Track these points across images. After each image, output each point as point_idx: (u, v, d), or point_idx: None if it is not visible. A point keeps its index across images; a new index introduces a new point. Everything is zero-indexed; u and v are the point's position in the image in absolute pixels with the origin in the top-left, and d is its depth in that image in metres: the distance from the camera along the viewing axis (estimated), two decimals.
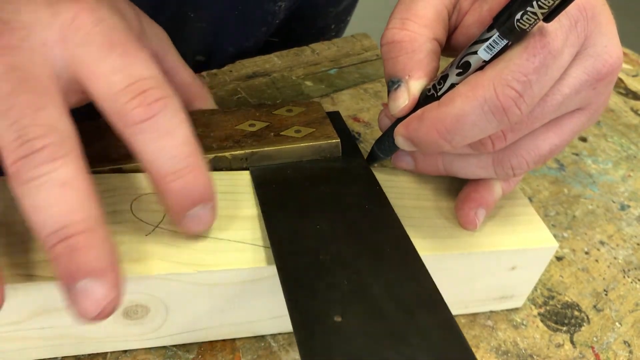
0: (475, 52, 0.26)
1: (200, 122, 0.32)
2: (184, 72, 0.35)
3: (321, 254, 0.26)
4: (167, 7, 0.47)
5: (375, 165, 0.33)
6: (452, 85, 0.27)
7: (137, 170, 0.29)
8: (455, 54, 0.28)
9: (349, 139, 0.34)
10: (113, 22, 0.24)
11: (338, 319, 0.23)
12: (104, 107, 0.23)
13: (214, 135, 0.31)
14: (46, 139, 0.21)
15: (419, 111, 0.28)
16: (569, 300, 0.36)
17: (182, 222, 0.25)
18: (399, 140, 0.29)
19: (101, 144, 0.25)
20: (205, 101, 0.35)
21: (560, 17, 0.25)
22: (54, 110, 0.22)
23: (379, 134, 0.32)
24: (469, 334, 0.33)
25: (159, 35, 0.33)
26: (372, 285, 0.25)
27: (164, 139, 0.23)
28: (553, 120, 0.29)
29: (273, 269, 0.27)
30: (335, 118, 0.36)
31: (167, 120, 0.23)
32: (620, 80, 0.60)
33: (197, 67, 0.45)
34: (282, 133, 0.32)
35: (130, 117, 0.23)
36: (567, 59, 0.26)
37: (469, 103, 0.25)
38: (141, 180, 0.29)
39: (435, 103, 0.27)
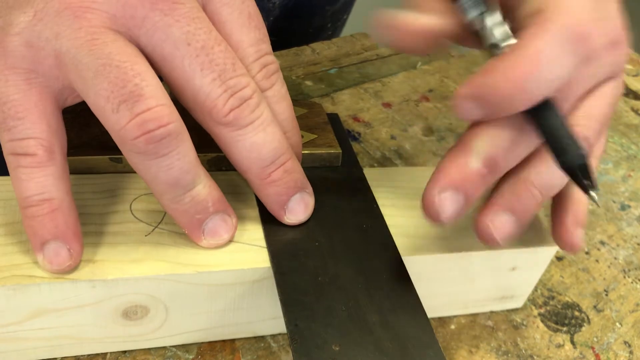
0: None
1: None
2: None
3: (320, 275, 0.26)
4: None
5: (375, 165, 0.33)
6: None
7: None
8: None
9: (347, 147, 0.34)
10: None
11: (336, 347, 0.24)
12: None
13: None
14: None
15: (481, 69, 0.24)
16: (569, 301, 0.36)
17: (287, 213, 0.28)
18: (463, 105, 0.24)
19: (100, 129, 0.24)
20: None
21: None
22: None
23: (379, 133, 0.32)
24: (469, 334, 0.33)
25: None
26: (369, 314, 0.25)
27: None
28: (593, 89, 0.26)
29: None
30: (334, 122, 0.35)
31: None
32: None
33: None
34: None
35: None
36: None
37: (541, 38, 0.23)
38: (141, 180, 0.29)
39: (499, 55, 0.24)
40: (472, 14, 0.25)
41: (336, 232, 0.28)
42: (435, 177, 0.25)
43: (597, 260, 0.39)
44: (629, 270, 0.39)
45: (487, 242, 0.26)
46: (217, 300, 0.27)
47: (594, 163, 0.28)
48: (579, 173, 0.23)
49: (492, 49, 0.24)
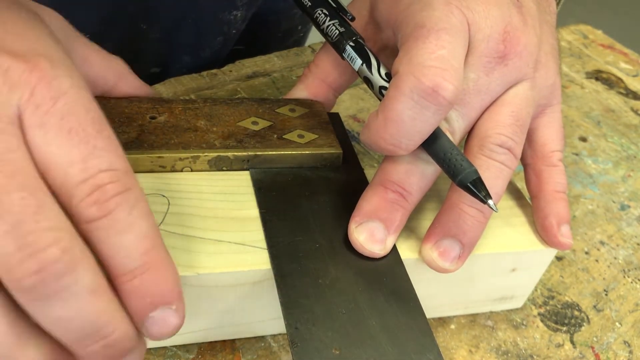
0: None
1: (202, 112, 0.32)
2: (95, 56, 0.32)
3: (320, 278, 0.26)
4: (120, 21, 0.46)
5: (376, 166, 0.33)
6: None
7: (134, 168, 0.29)
8: None
9: (348, 147, 0.34)
10: (73, 92, 0.22)
11: (336, 351, 0.24)
12: (60, 197, 0.21)
13: (217, 131, 0.31)
14: (58, 246, 0.19)
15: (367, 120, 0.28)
16: (569, 300, 0.36)
17: (143, 326, 0.22)
18: (366, 146, 0.29)
19: None
20: (130, 85, 0.33)
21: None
22: (53, 206, 0.20)
23: None
24: (469, 334, 0.33)
25: (60, 24, 0.29)
26: (369, 317, 0.25)
27: (118, 235, 0.21)
28: (496, 100, 0.30)
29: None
30: (335, 122, 0.35)
31: (124, 216, 0.21)
32: (620, 80, 0.60)
33: (153, 80, 0.44)
34: (284, 136, 0.32)
35: (85, 215, 0.21)
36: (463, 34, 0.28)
37: (398, 101, 0.25)
38: (140, 181, 0.29)
39: (375, 111, 0.27)
40: (357, 65, 0.30)
41: (337, 234, 0.28)
42: (354, 214, 0.29)
43: (597, 260, 0.39)
44: (629, 270, 0.39)
45: (437, 270, 0.29)
46: (217, 302, 0.27)
47: (555, 133, 0.33)
48: (473, 188, 0.26)
49: (380, 91, 0.29)
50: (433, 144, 0.27)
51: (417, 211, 0.31)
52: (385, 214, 0.28)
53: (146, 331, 0.22)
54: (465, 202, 0.28)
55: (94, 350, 0.21)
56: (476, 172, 0.26)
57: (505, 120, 0.29)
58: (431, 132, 0.27)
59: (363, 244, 0.28)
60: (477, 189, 0.26)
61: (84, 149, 0.21)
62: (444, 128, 0.28)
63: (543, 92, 0.32)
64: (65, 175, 0.21)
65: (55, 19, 0.28)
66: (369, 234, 0.28)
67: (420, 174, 0.28)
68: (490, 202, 0.26)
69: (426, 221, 0.31)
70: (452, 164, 0.26)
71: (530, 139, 0.33)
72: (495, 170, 0.29)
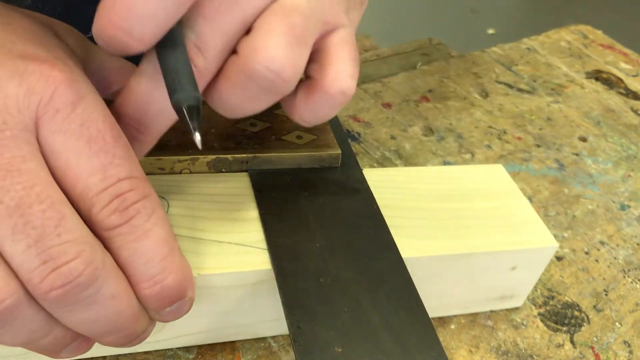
0: None
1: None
2: (111, 60, 0.30)
3: (322, 277, 0.26)
4: None
5: (375, 166, 0.33)
6: None
7: None
8: None
9: (346, 147, 0.34)
10: (91, 97, 0.22)
11: (339, 349, 0.24)
12: (78, 205, 0.21)
13: (215, 133, 0.31)
14: (82, 258, 0.20)
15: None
16: (569, 301, 0.36)
17: (158, 315, 0.23)
18: (97, 41, 0.22)
19: None
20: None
21: None
22: (72, 216, 0.20)
23: (379, 134, 0.32)
24: (469, 334, 0.33)
25: (74, 35, 0.28)
26: (370, 315, 0.25)
27: (138, 242, 0.21)
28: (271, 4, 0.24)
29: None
30: (333, 123, 0.36)
31: (143, 223, 0.22)
32: (620, 80, 0.60)
33: None
34: (283, 137, 0.32)
35: (105, 223, 0.21)
36: None
37: None
38: None
39: None
40: None
41: (337, 233, 0.28)
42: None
43: (597, 260, 0.39)
44: (629, 270, 0.39)
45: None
46: (218, 303, 0.27)
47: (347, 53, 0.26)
48: (186, 114, 0.22)
49: None
50: (166, 51, 0.23)
51: (415, 211, 0.31)
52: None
53: (160, 318, 0.24)
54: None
55: (112, 340, 0.23)
56: (198, 99, 0.23)
57: (278, 31, 0.23)
58: (171, 20, 0.22)
59: None
60: (190, 116, 0.22)
61: (103, 159, 0.21)
62: (191, 41, 0.23)
63: (327, 8, 0.26)
64: (86, 184, 0.21)
65: (69, 31, 0.28)
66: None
67: (157, 110, 0.24)
68: (197, 135, 0.23)
69: (424, 221, 0.31)
70: (174, 79, 0.23)
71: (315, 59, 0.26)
72: (259, 100, 0.24)
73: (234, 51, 0.24)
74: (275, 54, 0.23)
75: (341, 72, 0.25)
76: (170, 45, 0.23)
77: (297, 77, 0.24)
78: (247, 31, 0.24)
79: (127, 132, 0.24)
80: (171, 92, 0.23)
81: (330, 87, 0.25)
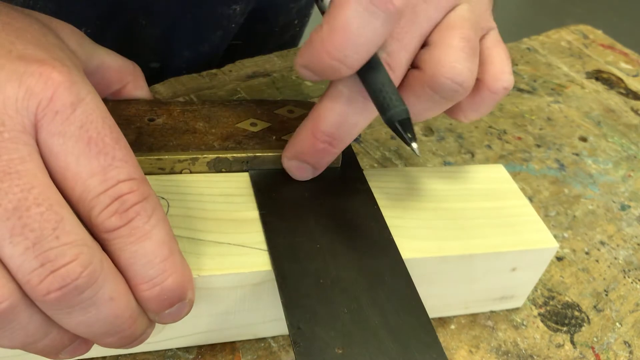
0: None
1: (201, 114, 0.32)
2: (112, 59, 0.32)
3: (322, 277, 0.26)
4: (119, 16, 0.46)
5: (376, 166, 0.33)
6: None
7: None
8: None
9: (347, 147, 0.34)
10: (90, 99, 0.22)
11: (339, 350, 0.24)
12: (78, 207, 0.21)
13: (215, 132, 0.31)
14: (79, 261, 0.20)
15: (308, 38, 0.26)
16: (569, 301, 0.36)
17: (157, 316, 0.23)
18: (300, 72, 0.26)
19: None
20: (138, 87, 0.34)
21: None
22: (71, 218, 0.20)
23: (379, 134, 0.32)
24: (469, 334, 0.33)
25: (74, 35, 0.29)
26: (371, 316, 0.25)
27: (138, 243, 0.22)
28: (439, 23, 0.28)
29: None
30: None
31: (143, 224, 0.22)
32: (620, 80, 0.60)
33: (152, 74, 0.44)
34: (283, 137, 0.32)
35: (105, 225, 0.21)
36: None
37: (345, 7, 0.23)
38: None
39: (318, 26, 0.25)
40: None
41: (337, 234, 0.28)
42: (287, 145, 0.30)
43: (597, 261, 0.39)
44: (629, 271, 0.39)
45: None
46: (218, 304, 0.27)
47: (502, 55, 0.30)
48: (400, 128, 0.25)
49: (321, 10, 0.27)
50: (370, 73, 0.25)
51: (416, 211, 0.31)
52: (314, 160, 0.29)
53: (159, 320, 0.24)
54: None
55: (110, 342, 0.22)
56: (407, 111, 0.25)
57: (456, 45, 0.27)
58: (378, 45, 0.25)
59: (293, 173, 0.30)
60: (404, 129, 0.25)
61: (103, 161, 0.21)
62: (383, 59, 0.26)
63: (482, 15, 0.30)
64: (85, 187, 0.21)
65: (69, 31, 0.28)
66: (297, 169, 0.30)
67: (350, 126, 0.28)
68: (414, 145, 0.25)
69: (424, 221, 0.31)
70: (384, 98, 0.25)
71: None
72: (438, 108, 0.28)
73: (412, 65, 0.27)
74: (458, 66, 0.26)
75: (502, 71, 0.29)
76: (372, 66, 0.25)
77: (474, 83, 0.27)
78: (422, 45, 0.27)
79: (318, 146, 0.28)
80: (383, 111, 0.25)
81: (495, 85, 0.29)
